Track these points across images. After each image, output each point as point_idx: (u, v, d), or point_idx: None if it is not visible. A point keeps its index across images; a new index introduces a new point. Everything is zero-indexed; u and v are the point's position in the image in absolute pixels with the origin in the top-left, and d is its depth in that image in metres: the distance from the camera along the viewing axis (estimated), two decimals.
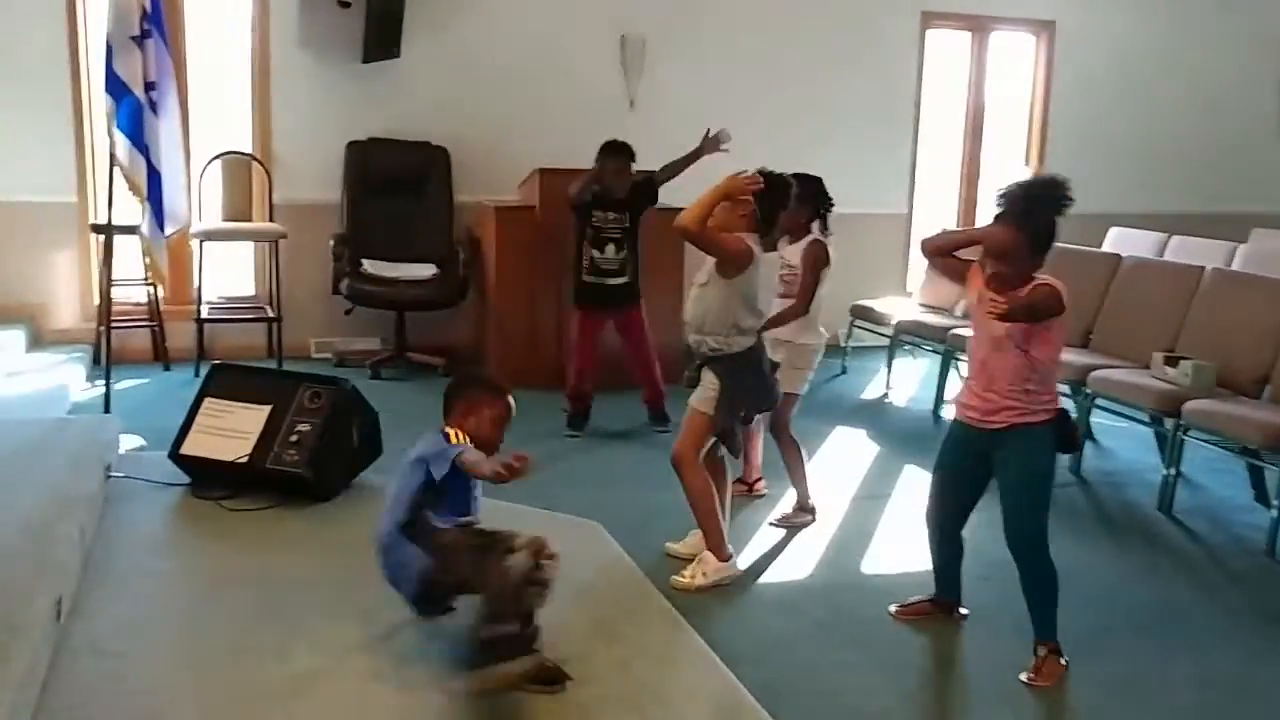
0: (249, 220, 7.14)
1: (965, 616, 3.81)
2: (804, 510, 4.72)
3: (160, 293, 6.95)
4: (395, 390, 6.50)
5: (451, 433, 3.18)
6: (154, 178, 4.93)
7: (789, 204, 4.05)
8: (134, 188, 4.96)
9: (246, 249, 7.44)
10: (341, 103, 7.27)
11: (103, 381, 5.46)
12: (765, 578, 4.09)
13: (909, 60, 8.46)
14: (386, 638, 3.25)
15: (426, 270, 7.02)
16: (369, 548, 3.22)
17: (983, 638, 3.70)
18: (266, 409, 4.35)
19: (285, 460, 4.23)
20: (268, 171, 7.19)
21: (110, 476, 4.33)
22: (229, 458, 4.26)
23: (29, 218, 6.89)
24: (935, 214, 8.65)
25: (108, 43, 4.85)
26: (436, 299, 7.02)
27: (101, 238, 6.22)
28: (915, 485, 5.06)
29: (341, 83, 7.24)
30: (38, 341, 6.84)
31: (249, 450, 4.26)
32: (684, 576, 3.94)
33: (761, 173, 3.89)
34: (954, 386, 6.59)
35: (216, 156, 7.07)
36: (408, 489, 3.12)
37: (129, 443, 5.08)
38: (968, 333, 5.96)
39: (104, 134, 4.99)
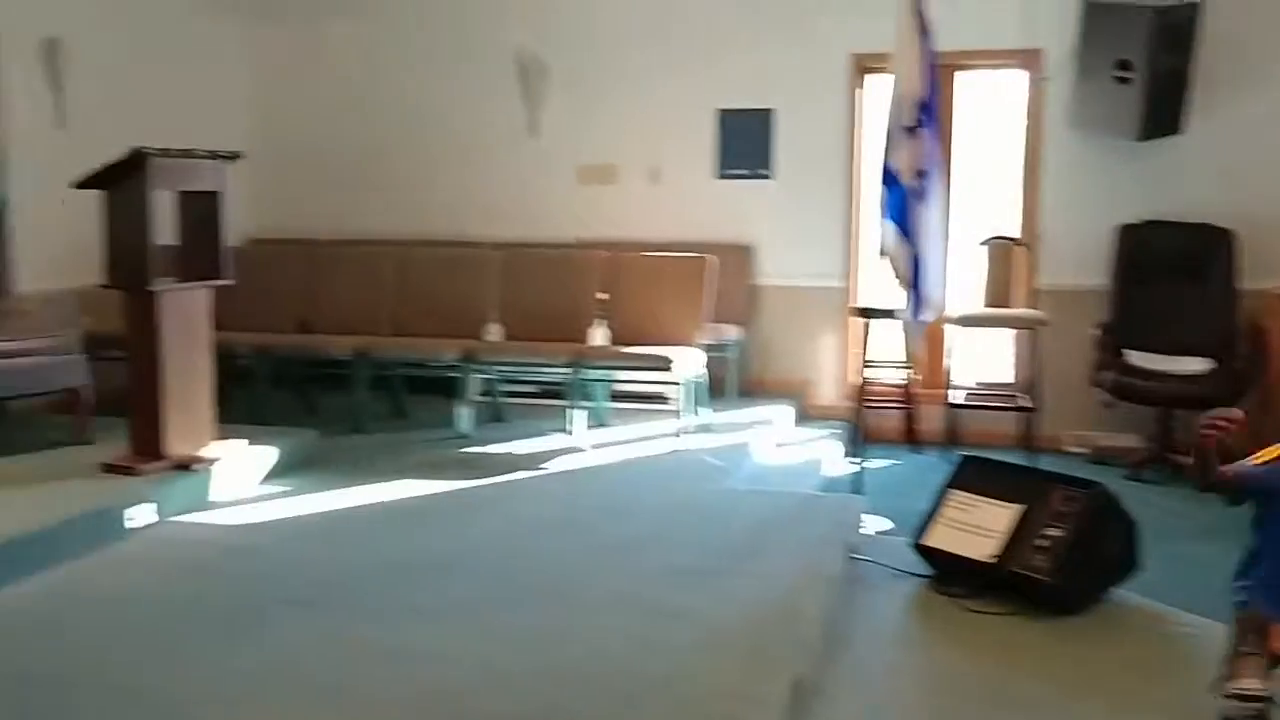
0: (1009, 306, 7.01)
1: None
2: None
3: (914, 376, 7.08)
4: (1154, 495, 5.91)
5: None
6: (917, 265, 4.98)
7: None
8: (898, 275, 5.05)
9: (1004, 335, 7.31)
10: (1113, 183, 6.88)
11: (856, 460, 5.64)
12: None
13: None
14: None
15: (1199, 364, 6.34)
16: (1115, 672, 2.84)
17: None
18: (1016, 508, 4.12)
19: (1031, 565, 3.95)
20: (1032, 256, 7.02)
21: (853, 558, 4.38)
22: (973, 555, 4.09)
23: (804, 301, 7.45)
24: None
25: (885, 136, 5.03)
26: (1209, 396, 6.28)
27: (862, 321, 6.50)
28: None
29: (1114, 162, 6.85)
30: (803, 417, 7.31)
31: (995, 550, 4.05)
32: None
33: None
34: None
35: (984, 242, 7.06)
36: None
37: (875, 524, 5.15)
38: None
39: (870, 222, 5.18)
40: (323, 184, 8.32)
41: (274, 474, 5.39)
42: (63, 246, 6.23)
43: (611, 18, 7.67)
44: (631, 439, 6.25)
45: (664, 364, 5.94)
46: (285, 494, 5.16)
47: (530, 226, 7.76)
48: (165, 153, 4.85)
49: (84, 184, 4.87)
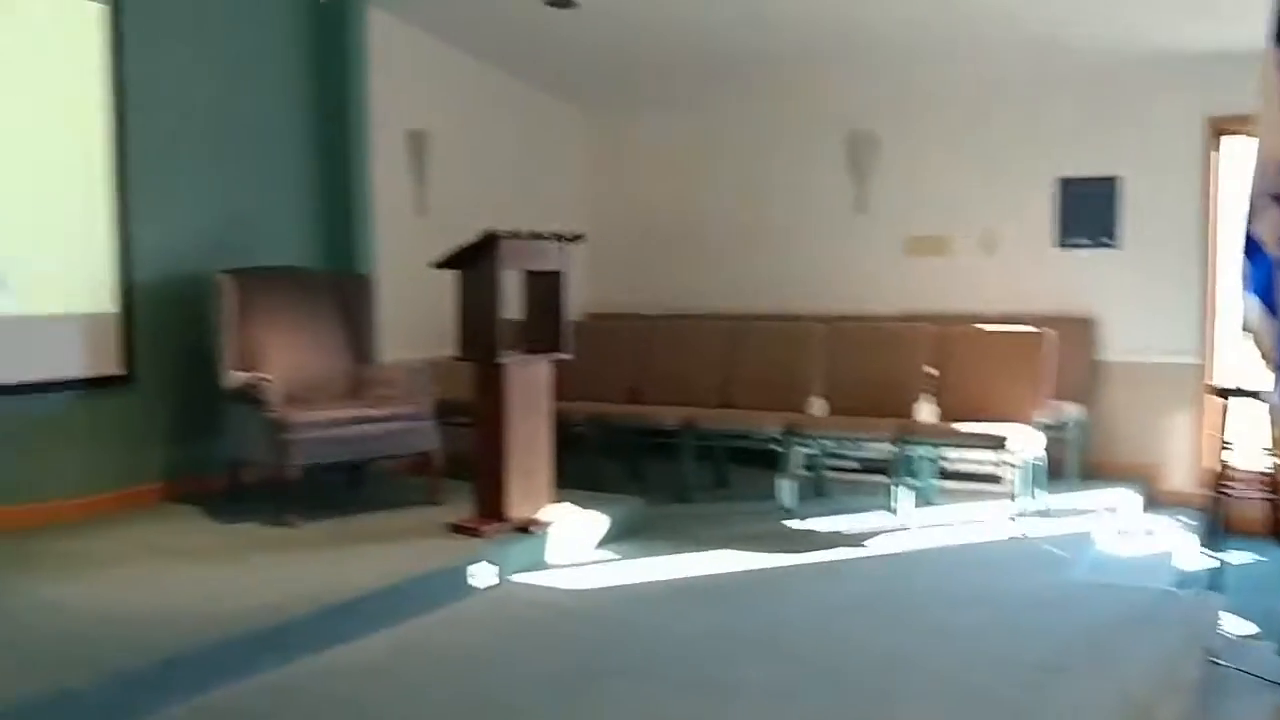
0: None
1: None
2: None
3: None
4: None
5: None
6: None
7: None
8: (1264, 353, 4.62)
9: None
10: None
11: (1213, 553, 5.17)
12: None
13: None
14: None
15: None
16: None
17: None
18: None
19: None
20: None
21: (1212, 663, 4.01)
22: None
23: (1153, 378, 6.98)
24: None
25: (1248, 203, 4.65)
26: None
27: (1220, 401, 5.99)
28: None
29: None
30: (1152, 503, 6.81)
31: None
32: None
33: None
34: None
35: None
36: None
37: (1236, 626, 4.69)
38: None
39: (1230, 295, 4.79)
40: (655, 260, 8.64)
41: (605, 539, 5.57)
42: (418, 320, 6.78)
43: (944, 88, 7.56)
44: (961, 521, 6.02)
45: (998, 443, 5.69)
46: (616, 560, 5.32)
47: (856, 300, 7.71)
48: (514, 235, 5.17)
49: (441, 264, 5.26)
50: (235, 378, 5.69)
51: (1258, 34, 4.58)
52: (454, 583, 4.69)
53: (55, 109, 5.55)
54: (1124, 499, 6.51)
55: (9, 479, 5.36)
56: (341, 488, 6.21)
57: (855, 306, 7.64)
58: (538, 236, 5.36)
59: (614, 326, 7.81)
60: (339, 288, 6.43)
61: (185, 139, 6.13)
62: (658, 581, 5.01)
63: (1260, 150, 4.63)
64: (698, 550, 5.41)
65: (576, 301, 6.62)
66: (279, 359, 5.94)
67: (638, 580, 5.02)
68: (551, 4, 6.73)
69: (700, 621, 4.42)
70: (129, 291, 5.84)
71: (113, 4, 5.73)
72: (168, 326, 6.02)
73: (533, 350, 5.42)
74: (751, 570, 5.17)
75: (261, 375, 5.57)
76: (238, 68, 6.40)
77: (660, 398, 7.01)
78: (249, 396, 5.52)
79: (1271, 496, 6.44)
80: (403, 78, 7.21)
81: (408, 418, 5.76)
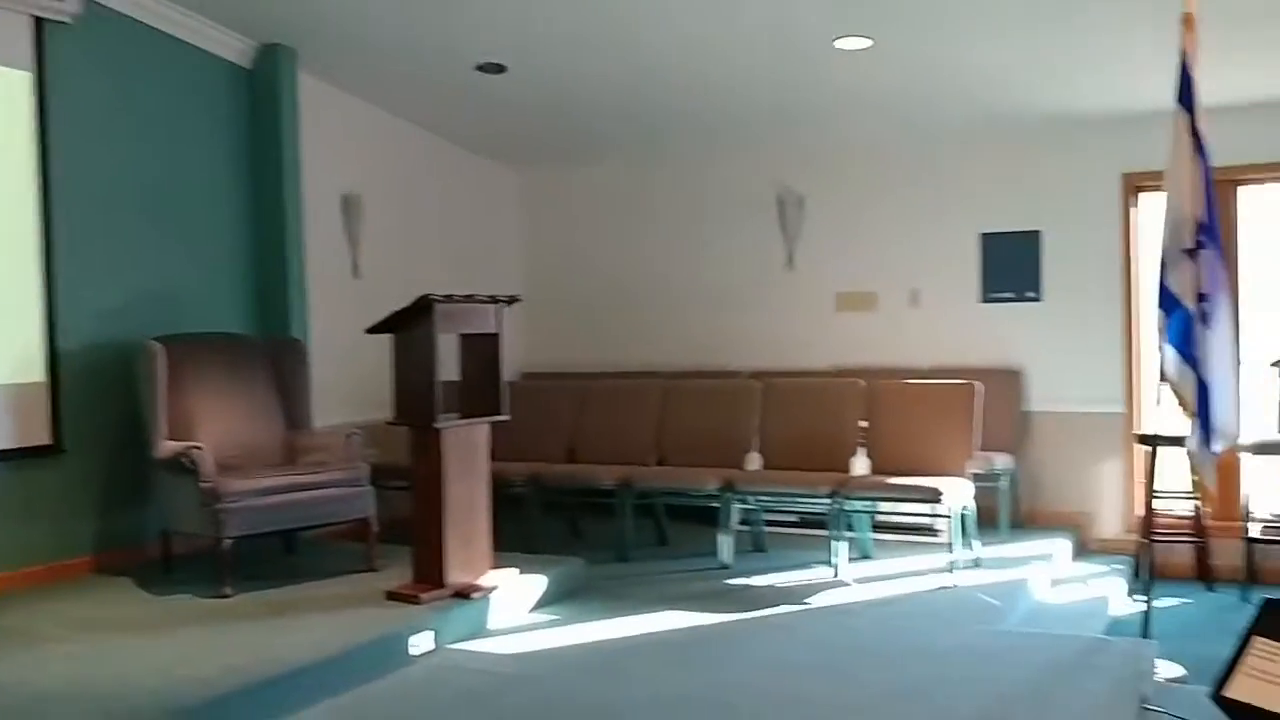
0: None
1: None
2: None
3: (1205, 509, 6.61)
4: None
5: None
6: (1203, 392, 4.67)
7: None
8: (1182, 402, 4.76)
9: None
10: None
11: (1143, 598, 5.28)
12: None
13: None
14: None
15: None
16: None
17: None
18: None
19: None
20: None
21: (1145, 709, 4.08)
22: None
23: (1080, 427, 7.14)
24: None
25: (1161, 258, 4.80)
26: None
27: (1146, 449, 6.14)
28: None
29: None
30: (1081, 550, 6.94)
31: None
32: None
33: None
34: None
35: (1275, 363, 6.59)
36: None
37: (1166, 669, 4.78)
38: None
39: (1151, 347, 4.93)
40: (589, 319, 8.68)
41: (543, 602, 5.53)
42: (353, 385, 6.75)
43: (871, 149, 7.74)
44: (898, 574, 6.08)
45: (934, 496, 5.76)
46: (554, 623, 5.28)
47: (789, 356, 7.81)
48: (449, 299, 5.18)
49: (376, 329, 5.25)
50: (166, 447, 5.61)
51: (1169, 94, 4.76)
52: (393, 652, 4.63)
53: None
54: (1055, 548, 6.62)
55: None
56: (277, 556, 6.13)
57: (788, 362, 7.74)
58: (472, 299, 5.37)
59: (550, 386, 7.83)
60: (272, 353, 6.38)
61: (113, 206, 6.08)
62: (597, 644, 4.98)
63: (1172, 207, 4.80)
64: (638, 611, 5.39)
65: (512, 362, 6.63)
66: (211, 427, 5.86)
67: (577, 643, 4.99)
68: (481, 69, 6.82)
69: (642, 685, 4.41)
70: (56, 360, 5.76)
71: (36, 72, 5.69)
72: (98, 396, 5.93)
73: (470, 413, 5.41)
74: (692, 630, 5.16)
75: (193, 444, 5.50)
76: (166, 134, 6.37)
77: (598, 456, 7.02)
78: (181, 466, 5.44)
79: (1197, 540, 6.60)
80: (335, 142, 7.23)
81: (343, 484, 5.71)
